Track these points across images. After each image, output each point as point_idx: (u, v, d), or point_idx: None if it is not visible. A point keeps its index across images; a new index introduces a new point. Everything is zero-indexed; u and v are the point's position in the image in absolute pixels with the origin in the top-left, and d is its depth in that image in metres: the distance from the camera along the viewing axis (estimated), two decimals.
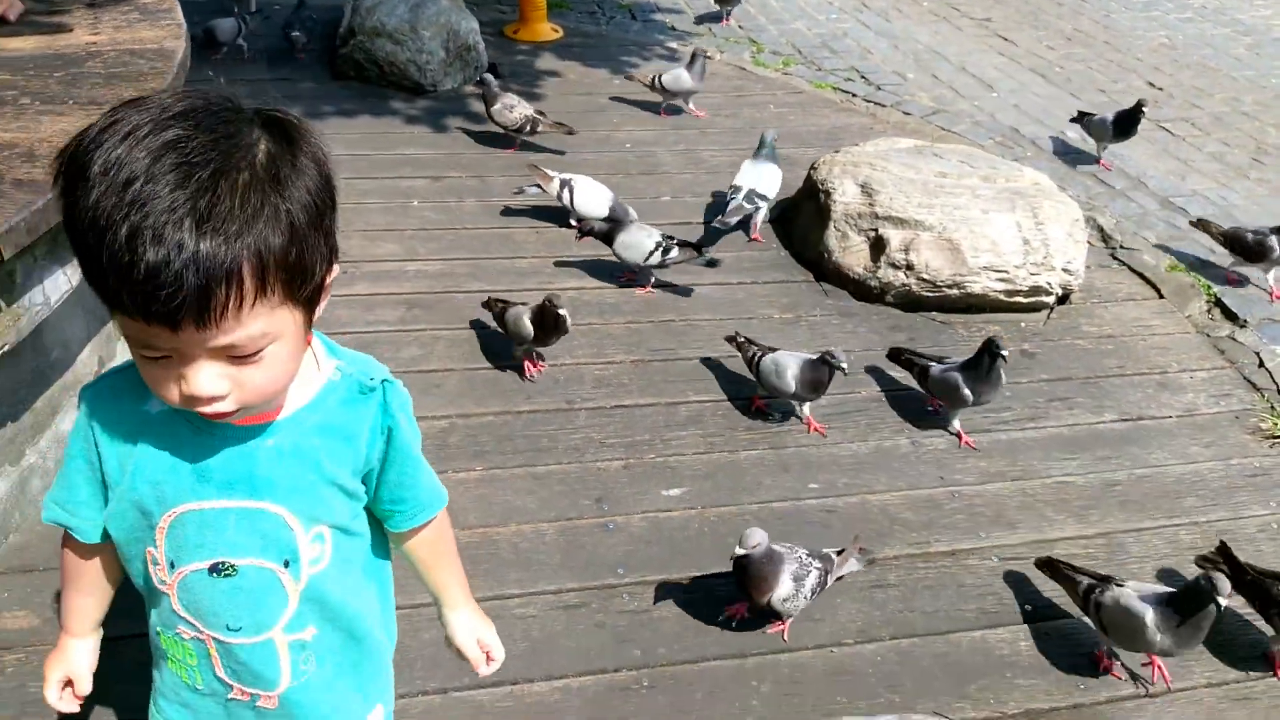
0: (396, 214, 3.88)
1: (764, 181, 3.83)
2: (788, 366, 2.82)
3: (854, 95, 5.50)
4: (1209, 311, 3.74)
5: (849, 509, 2.66)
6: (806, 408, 2.94)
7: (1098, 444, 2.97)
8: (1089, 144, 4.89)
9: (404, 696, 2.04)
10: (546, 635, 2.23)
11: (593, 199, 3.69)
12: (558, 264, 3.65)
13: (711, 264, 3.62)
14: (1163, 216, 4.40)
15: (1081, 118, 4.83)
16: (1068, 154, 4.96)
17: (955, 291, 3.53)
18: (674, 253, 3.42)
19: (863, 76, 5.79)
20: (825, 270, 3.71)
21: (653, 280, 3.55)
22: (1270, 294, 3.77)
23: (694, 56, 4.82)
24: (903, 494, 2.73)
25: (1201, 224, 3.97)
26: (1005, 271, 3.52)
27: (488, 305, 3.16)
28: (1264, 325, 3.64)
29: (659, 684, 2.14)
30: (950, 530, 2.61)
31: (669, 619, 2.30)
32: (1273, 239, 3.64)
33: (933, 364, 2.97)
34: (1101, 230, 4.19)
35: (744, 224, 3.92)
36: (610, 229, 3.46)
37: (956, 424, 2.95)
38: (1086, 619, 2.24)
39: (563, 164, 4.21)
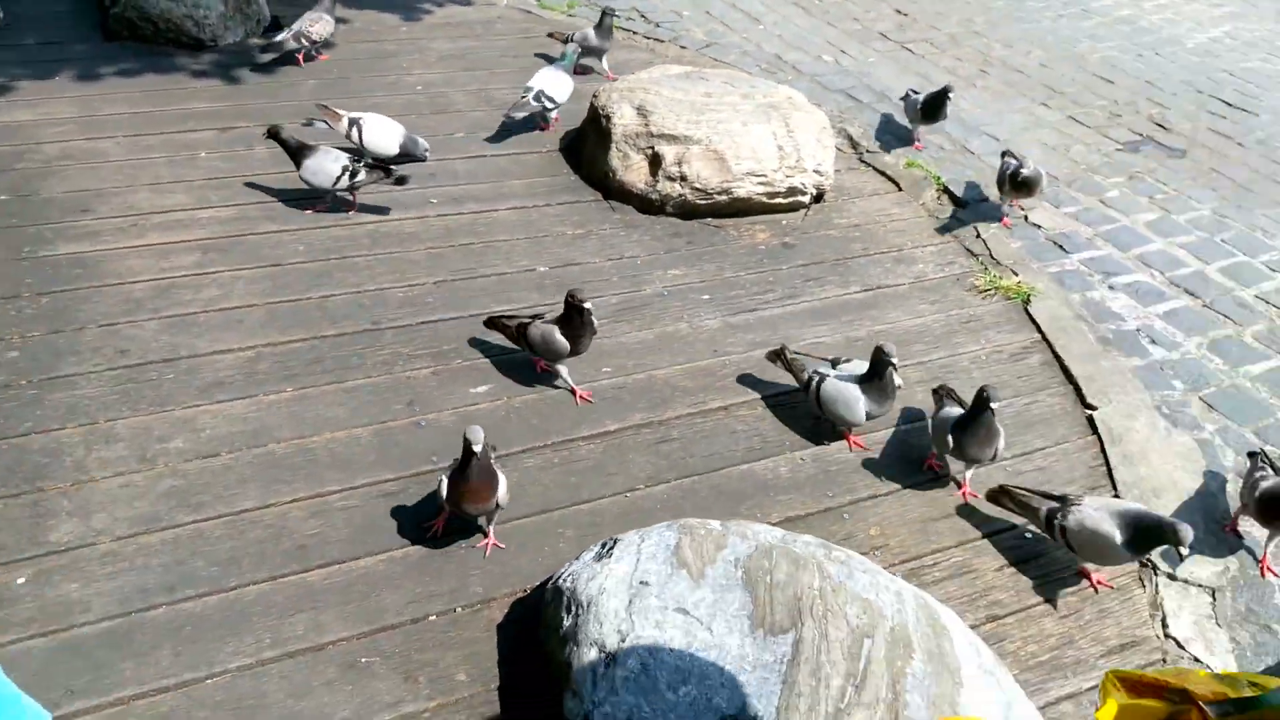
0: (184, 166, 3.94)
1: (555, 86, 4.29)
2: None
3: (635, 33, 5.83)
4: (939, 198, 4.30)
5: (636, 384, 3.02)
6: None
7: (844, 311, 3.44)
8: (906, 120, 4.86)
9: (236, 588, 2.26)
10: (368, 520, 2.48)
11: (382, 135, 3.87)
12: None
13: (400, 181, 3.72)
14: (901, 123, 4.94)
15: (906, 96, 4.81)
16: (822, 75, 5.46)
17: (725, 198, 3.94)
18: (361, 175, 3.63)
19: (642, 15, 6.12)
20: (611, 189, 4.04)
21: (355, 203, 3.75)
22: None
23: (602, 16, 4.93)
24: (682, 368, 3.11)
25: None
26: (765, 176, 3.94)
27: (494, 325, 3.03)
28: (980, 206, 4.23)
29: (473, 541, 2.43)
30: (723, 391, 3.01)
31: None
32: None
33: (826, 375, 2.80)
34: (850, 138, 4.70)
35: (532, 120, 4.37)
36: (296, 151, 3.63)
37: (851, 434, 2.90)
38: (1047, 536, 2.48)
39: (353, 105, 4.35)
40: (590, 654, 1.84)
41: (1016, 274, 3.71)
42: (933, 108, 4.58)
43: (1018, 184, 3.90)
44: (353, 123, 3.87)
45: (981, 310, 3.50)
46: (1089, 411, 3.03)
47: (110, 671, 2.04)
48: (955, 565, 2.50)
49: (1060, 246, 4.00)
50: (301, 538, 2.39)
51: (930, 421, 2.82)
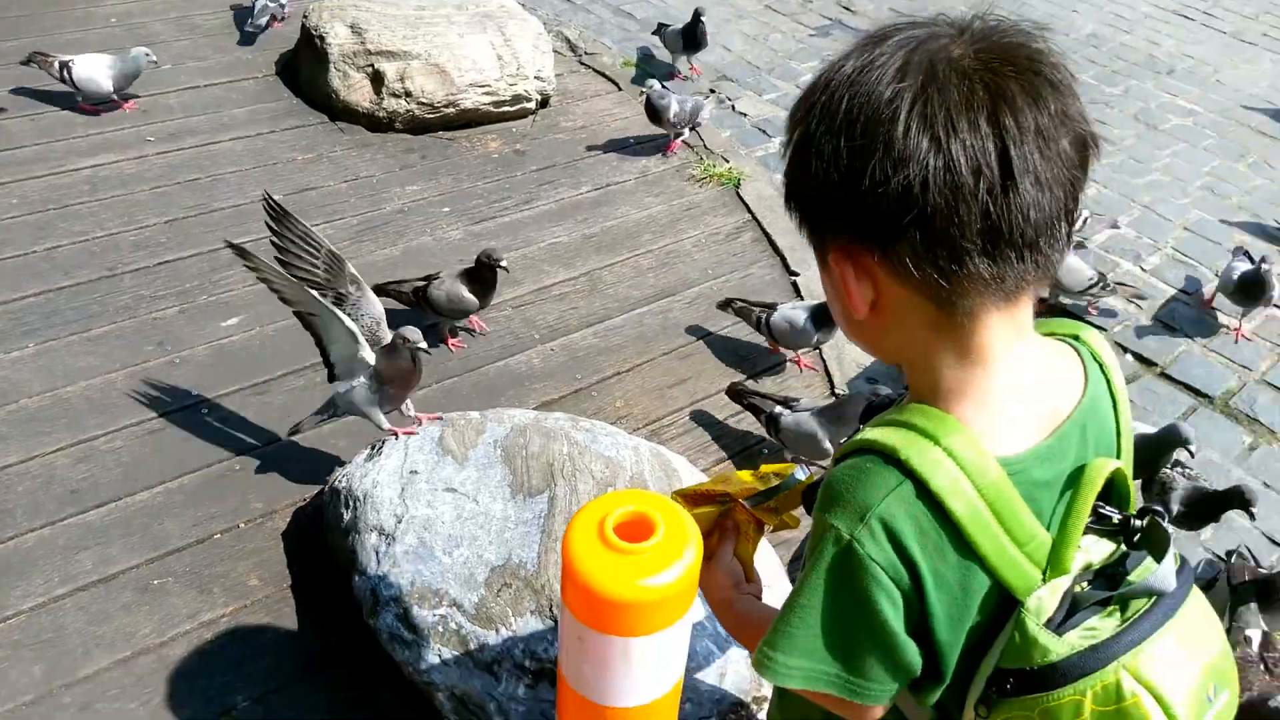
0: None
1: None
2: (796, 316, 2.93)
3: None
4: None
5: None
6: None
7: (578, 211, 3.71)
8: (666, 54, 4.90)
9: (14, 537, 2.29)
10: (137, 457, 2.54)
11: (95, 71, 3.74)
12: (66, 150, 3.67)
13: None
14: (616, 23, 5.19)
15: (659, 29, 4.83)
16: None
17: (452, 110, 4.07)
18: None
19: None
20: (336, 110, 4.07)
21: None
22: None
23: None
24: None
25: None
26: (488, 86, 4.10)
27: (388, 292, 2.96)
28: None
29: (247, 464, 2.56)
30: None
31: (250, 416, 2.70)
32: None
33: (784, 410, 2.73)
34: (569, 41, 4.91)
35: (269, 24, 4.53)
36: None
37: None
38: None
39: (56, 48, 4.09)
40: (371, 538, 2.06)
41: (728, 160, 4.10)
42: (690, 36, 4.58)
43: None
44: (63, 65, 3.72)
45: (700, 197, 3.87)
46: (793, 278, 3.48)
47: None
48: (687, 423, 2.87)
49: (763, 131, 4.43)
50: (73, 483, 2.44)
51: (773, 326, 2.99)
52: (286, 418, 2.67)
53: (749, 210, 3.81)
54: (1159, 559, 0.92)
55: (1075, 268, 3.27)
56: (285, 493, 2.49)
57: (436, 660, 1.89)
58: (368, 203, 3.62)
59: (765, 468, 1.16)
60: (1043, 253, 0.85)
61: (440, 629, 1.91)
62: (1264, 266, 3.27)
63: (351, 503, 2.15)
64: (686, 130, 4.10)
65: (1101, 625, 0.90)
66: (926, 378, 0.93)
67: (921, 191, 0.81)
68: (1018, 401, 0.92)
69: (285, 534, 2.39)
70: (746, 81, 4.88)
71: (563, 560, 0.93)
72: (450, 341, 3.03)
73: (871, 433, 0.92)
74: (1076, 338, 1.01)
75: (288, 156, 3.82)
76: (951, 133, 0.81)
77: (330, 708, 2.02)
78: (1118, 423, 1.00)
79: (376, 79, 4.01)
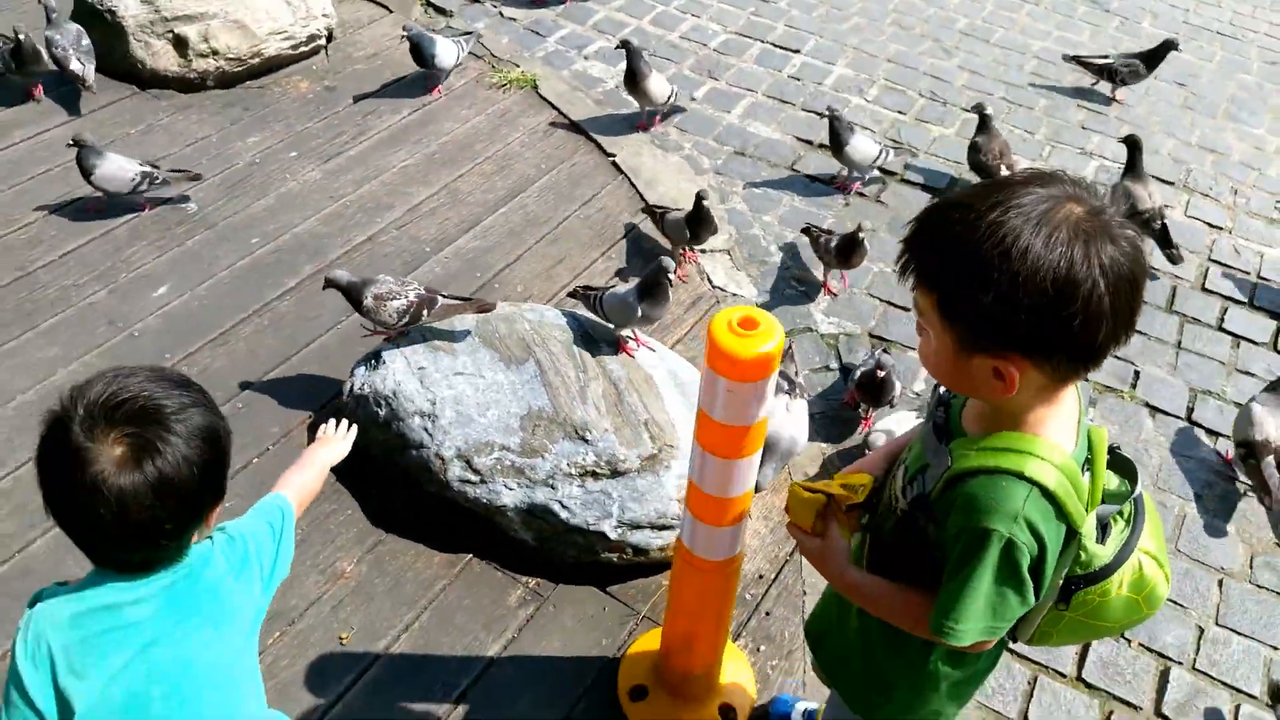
0: None
1: None
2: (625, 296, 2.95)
3: None
4: (426, 11, 5.06)
5: (288, 244, 3.61)
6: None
7: (409, 134, 4.22)
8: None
9: None
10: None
11: None
12: None
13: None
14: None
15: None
16: None
17: (257, 60, 4.37)
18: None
19: None
20: (144, 79, 4.25)
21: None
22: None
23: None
24: (317, 217, 3.73)
25: None
26: (285, 31, 4.42)
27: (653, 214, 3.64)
28: (465, 9, 5.08)
29: (249, 400, 3.04)
30: (366, 224, 3.72)
31: (226, 363, 3.14)
32: None
33: (604, 291, 2.99)
34: None
35: None
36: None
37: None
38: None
39: None
40: (415, 421, 2.69)
41: (518, 65, 4.69)
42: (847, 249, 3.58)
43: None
44: None
45: (507, 103, 4.47)
46: (610, 158, 4.22)
47: None
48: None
49: (536, 33, 5.03)
50: None
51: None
52: (255, 360, 3.15)
53: (553, 107, 4.46)
54: (1134, 480, 1.47)
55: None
56: (294, 414, 3.02)
57: (502, 489, 2.60)
58: (218, 162, 3.94)
59: (841, 478, 1.63)
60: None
61: (498, 467, 2.61)
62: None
63: (383, 400, 2.76)
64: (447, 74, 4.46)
65: (1119, 534, 1.45)
66: (1016, 413, 1.33)
67: (1088, 335, 1.21)
68: (1068, 416, 1.37)
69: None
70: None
71: (711, 341, 1.68)
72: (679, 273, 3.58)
73: (992, 460, 1.31)
74: None
75: (119, 132, 4.02)
76: (1109, 292, 1.19)
77: (422, 553, 2.68)
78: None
79: (179, 43, 4.22)
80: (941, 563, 1.40)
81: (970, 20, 5.61)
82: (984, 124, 4.12)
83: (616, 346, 2.96)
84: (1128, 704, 2.59)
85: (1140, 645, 2.73)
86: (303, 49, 4.52)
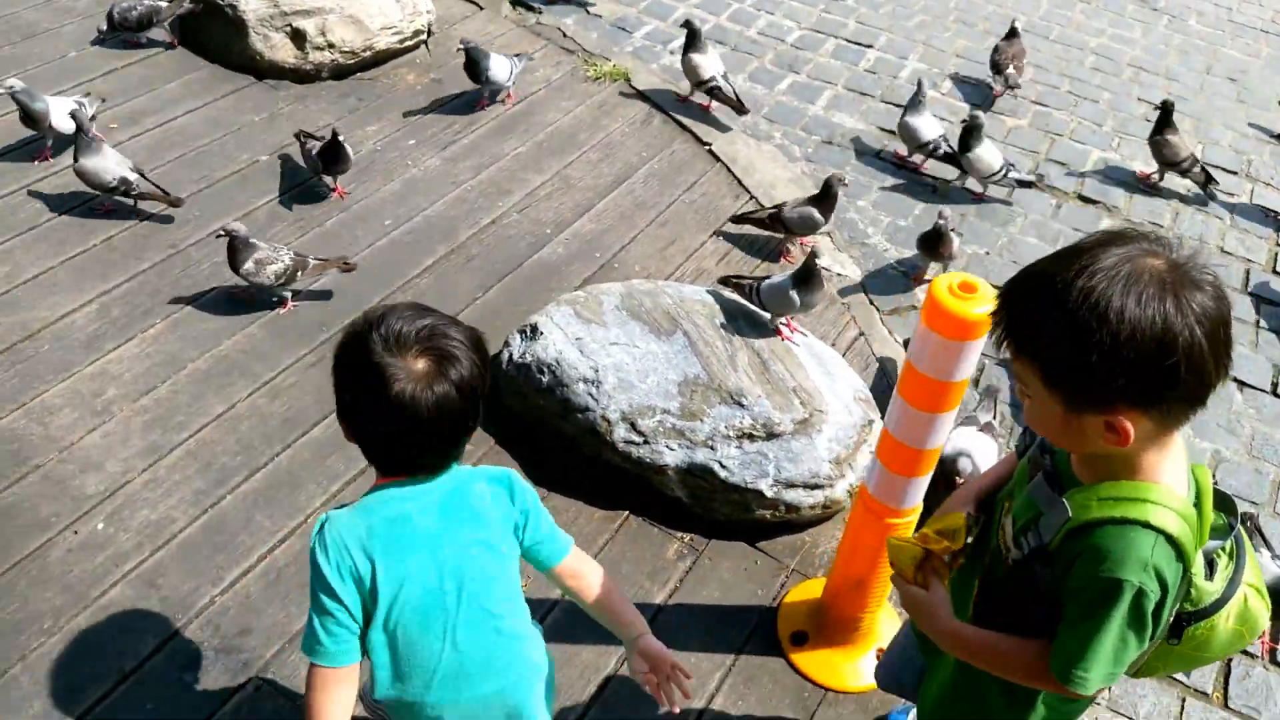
0: None
1: None
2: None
3: None
4: (515, 9, 5.26)
5: (418, 226, 3.82)
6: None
7: (516, 124, 4.42)
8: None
9: (244, 477, 2.90)
10: (306, 388, 3.16)
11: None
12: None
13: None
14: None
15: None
16: None
17: (369, 53, 4.57)
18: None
19: None
20: (262, 70, 4.45)
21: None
22: None
23: None
24: (443, 201, 3.94)
25: None
26: (395, 27, 4.62)
27: (750, 220, 3.87)
28: (552, 7, 5.28)
29: None
30: (484, 209, 3.92)
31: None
32: None
33: (760, 281, 3.18)
34: None
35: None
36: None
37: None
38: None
39: None
40: (580, 387, 2.90)
41: (609, 59, 4.90)
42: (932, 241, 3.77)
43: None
44: None
45: (604, 95, 4.67)
46: (707, 147, 4.43)
47: None
48: (694, 271, 3.81)
49: (622, 29, 5.23)
50: (278, 417, 3.04)
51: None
52: None
53: (647, 100, 4.67)
54: (1235, 514, 1.49)
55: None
56: None
57: (665, 450, 2.81)
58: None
59: (935, 522, 1.65)
60: None
61: (660, 429, 2.83)
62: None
63: (545, 369, 2.96)
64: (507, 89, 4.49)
65: (1224, 569, 1.47)
66: (1130, 459, 1.35)
67: (1194, 379, 1.24)
68: (1178, 458, 1.40)
69: None
70: None
71: (931, 300, 1.89)
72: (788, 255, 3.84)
73: (1118, 510, 1.34)
74: None
75: (245, 120, 4.22)
76: (1206, 336, 1.23)
77: (583, 510, 2.89)
78: None
79: (297, 36, 4.43)
80: (1051, 612, 1.44)
81: (1029, 17, 5.81)
82: (1012, 33, 4.99)
83: (754, 323, 3.16)
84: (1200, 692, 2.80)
85: None
86: (407, 43, 4.72)
